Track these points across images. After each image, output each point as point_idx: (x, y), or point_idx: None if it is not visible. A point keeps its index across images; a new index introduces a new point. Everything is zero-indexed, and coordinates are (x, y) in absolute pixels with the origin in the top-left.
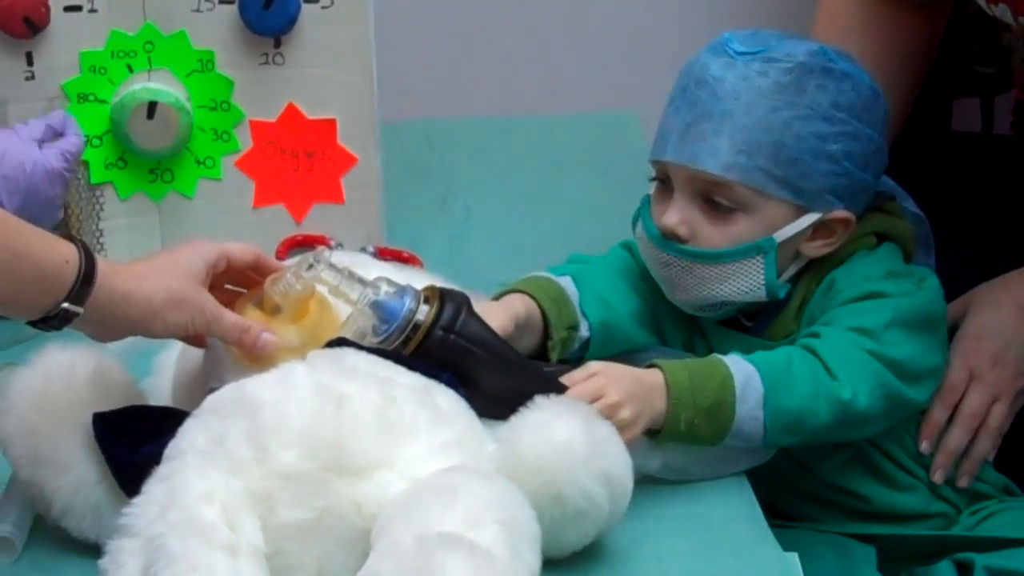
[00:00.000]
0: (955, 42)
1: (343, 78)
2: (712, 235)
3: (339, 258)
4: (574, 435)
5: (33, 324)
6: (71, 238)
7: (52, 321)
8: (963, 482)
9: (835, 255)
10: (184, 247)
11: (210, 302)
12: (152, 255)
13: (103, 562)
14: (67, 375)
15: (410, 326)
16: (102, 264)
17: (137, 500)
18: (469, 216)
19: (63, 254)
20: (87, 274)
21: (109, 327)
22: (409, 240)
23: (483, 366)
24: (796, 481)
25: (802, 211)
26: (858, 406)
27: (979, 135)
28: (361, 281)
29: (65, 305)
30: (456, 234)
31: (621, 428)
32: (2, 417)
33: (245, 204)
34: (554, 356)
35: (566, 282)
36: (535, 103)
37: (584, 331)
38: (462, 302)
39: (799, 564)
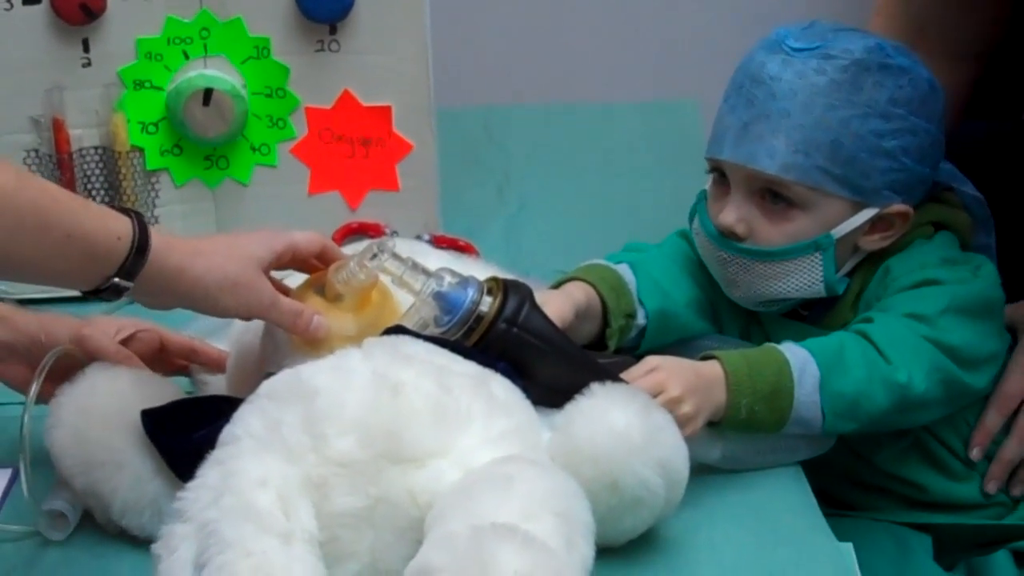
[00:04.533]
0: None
1: (398, 65)
2: (770, 233)
3: (395, 242)
4: (631, 423)
5: (86, 295)
6: (127, 211)
7: (104, 293)
8: (1017, 491)
9: (892, 245)
10: (254, 233)
11: (267, 289)
12: (220, 235)
13: (156, 547)
14: (110, 383)
15: (473, 317)
16: (157, 238)
17: (191, 484)
18: (525, 204)
19: (116, 230)
20: (140, 248)
21: (160, 299)
22: (465, 228)
23: (543, 359)
24: (853, 470)
25: (860, 206)
26: (915, 389)
27: None
28: (424, 271)
29: (116, 280)
30: (512, 222)
31: (683, 423)
32: (50, 432)
33: (300, 191)
34: (612, 344)
35: (624, 270)
36: (593, 91)
37: (641, 319)
38: (526, 295)
39: (854, 554)
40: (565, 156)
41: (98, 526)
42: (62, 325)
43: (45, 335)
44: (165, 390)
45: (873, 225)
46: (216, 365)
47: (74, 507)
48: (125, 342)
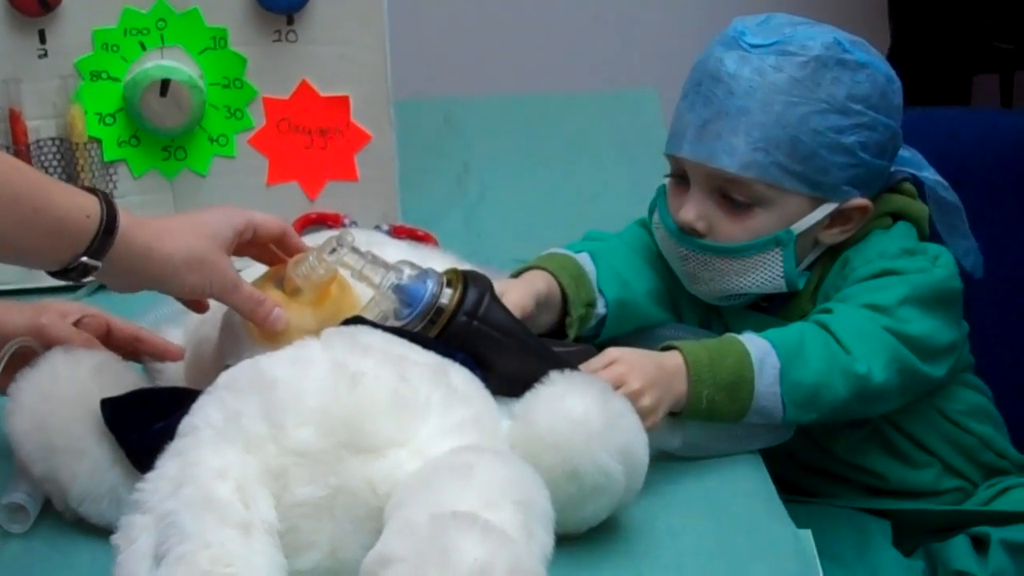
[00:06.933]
0: (973, 18)
1: (356, 55)
2: (730, 229)
3: (354, 235)
4: (589, 409)
5: (53, 275)
6: (94, 191)
7: (72, 273)
8: None
9: (851, 237)
10: (214, 210)
11: (230, 270)
12: (181, 214)
13: (115, 538)
14: (72, 369)
15: (433, 310)
16: (124, 217)
17: (150, 475)
18: (485, 194)
19: (84, 208)
20: (108, 228)
21: (128, 280)
22: (425, 218)
23: (502, 351)
24: (813, 459)
25: (819, 202)
26: (874, 380)
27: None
28: (384, 265)
29: (84, 259)
30: (472, 212)
31: (643, 415)
32: (11, 417)
33: (259, 182)
34: (572, 333)
35: (584, 259)
36: (553, 81)
37: (601, 308)
38: (485, 287)
39: (812, 540)
40: (525, 145)
41: (58, 518)
42: (16, 313)
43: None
44: (125, 377)
45: (832, 219)
46: (161, 355)
47: (33, 499)
48: (73, 326)
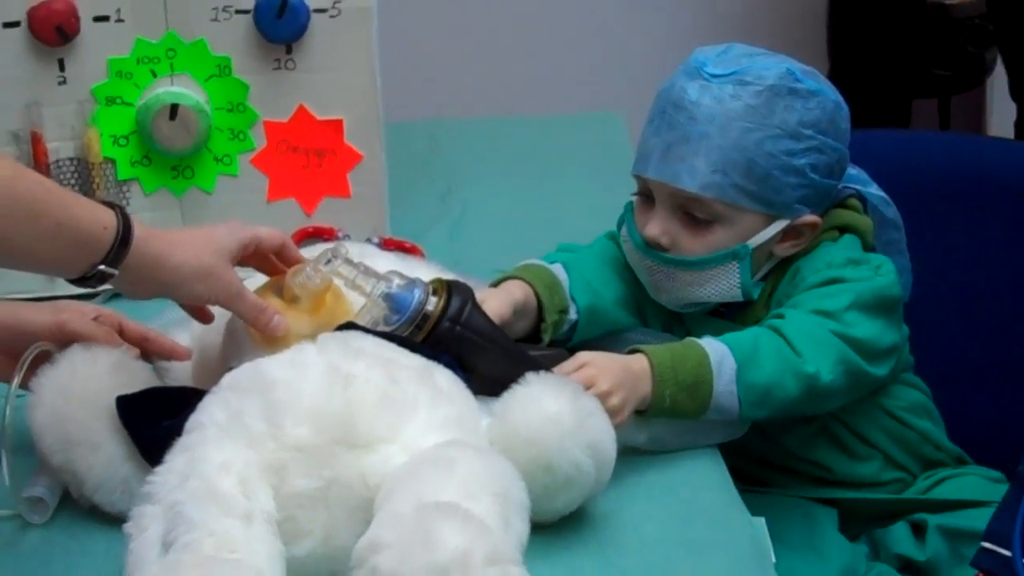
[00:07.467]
0: (913, 46)
1: (349, 82)
2: (691, 244)
3: (347, 247)
4: (562, 408)
5: (73, 282)
6: (112, 204)
7: (90, 281)
8: None
9: (802, 249)
10: (221, 226)
11: (235, 280)
12: (190, 227)
13: (127, 527)
14: (90, 367)
15: (420, 317)
16: (139, 229)
17: (160, 469)
18: (467, 210)
19: (102, 220)
20: (124, 238)
21: (141, 287)
22: (412, 231)
23: (483, 354)
24: (766, 452)
25: (773, 219)
26: (822, 380)
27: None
28: (375, 275)
29: (102, 267)
30: (455, 226)
31: (612, 413)
32: (32, 411)
33: (260, 198)
34: (546, 337)
35: (557, 269)
36: (529, 105)
37: (573, 314)
38: (467, 295)
39: (765, 527)
40: (503, 165)
41: (76, 509)
42: (38, 312)
43: (23, 323)
44: (139, 375)
45: (785, 234)
46: (168, 355)
47: (53, 492)
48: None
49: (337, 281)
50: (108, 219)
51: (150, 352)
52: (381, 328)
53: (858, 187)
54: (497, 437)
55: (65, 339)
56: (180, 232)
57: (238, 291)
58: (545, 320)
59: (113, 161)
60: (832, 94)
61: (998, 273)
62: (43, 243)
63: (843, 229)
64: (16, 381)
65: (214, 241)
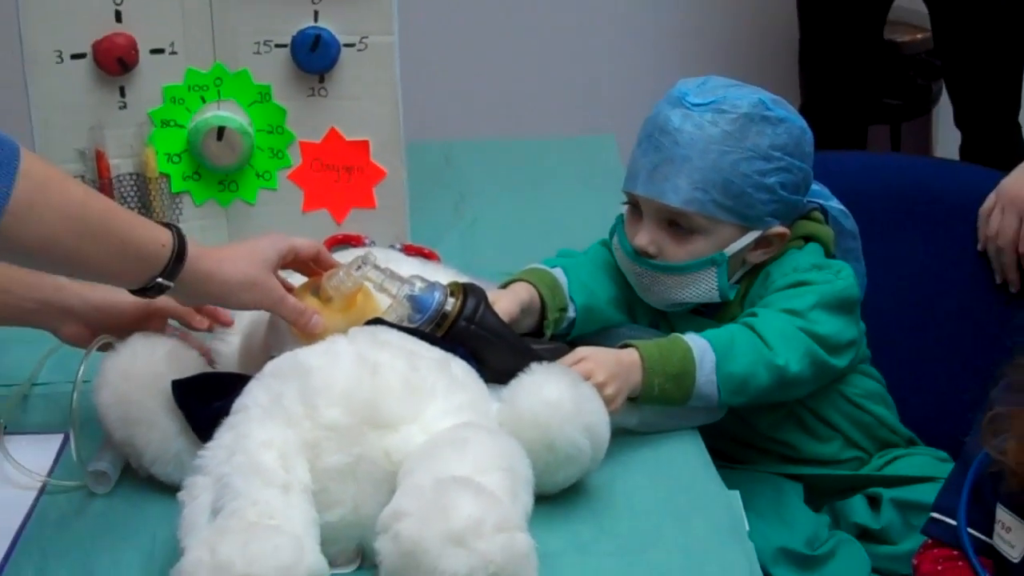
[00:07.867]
0: (867, 77)
1: (374, 107)
2: (675, 252)
3: (375, 254)
4: (563, 395)
5: (134, 292)
6: (169, 225)
7: (149, 292)
8: None
9: (772, 256)
10: (263, 238)
11: (277, 288)
12: (238, 242)
13: (181, 495)
14: (149, 353)
15: (439, 316)
16: (192, 247)
17: (209, 444)
18: (478, 219)
19: (161, 239)
20: (179, 255)
21: (194, 296)
22: (429, 239)
23: (494, 348)
24: (740, 433)
25: (747, 230)
26: (791, 370)
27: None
28: (400, 279)
29: (159, 280)
30: (467, 234)
31: (607, 401)
32: (98, 391)
33: (296, 209)
34: (548, 332)
35: (558, 272)
36: (533, 128)
37: (571, 312)
38: (481, 296)
39: (740, 499)
40: (509, 181)
41: (135, 480)
42: (123, 294)
43: (111, 304)
44: (192, 361)
45: (757, 243)
46: (225, 323)
47: (115, 466)
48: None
49: (367, 284)
50: (166, 238)
51: (216, 321)
52: (405, 325)
53: (821, 201)
54: (505, 420)
55: (153, 313)
56: (227, 248)
57: (280, 297)
58: (547, 317)
59: (167, 176)
60: (798, 120)
61: (942, 277)
62: (110, 258)
63: (808, 238)
64: (81, 370)
65: (257, 253)
